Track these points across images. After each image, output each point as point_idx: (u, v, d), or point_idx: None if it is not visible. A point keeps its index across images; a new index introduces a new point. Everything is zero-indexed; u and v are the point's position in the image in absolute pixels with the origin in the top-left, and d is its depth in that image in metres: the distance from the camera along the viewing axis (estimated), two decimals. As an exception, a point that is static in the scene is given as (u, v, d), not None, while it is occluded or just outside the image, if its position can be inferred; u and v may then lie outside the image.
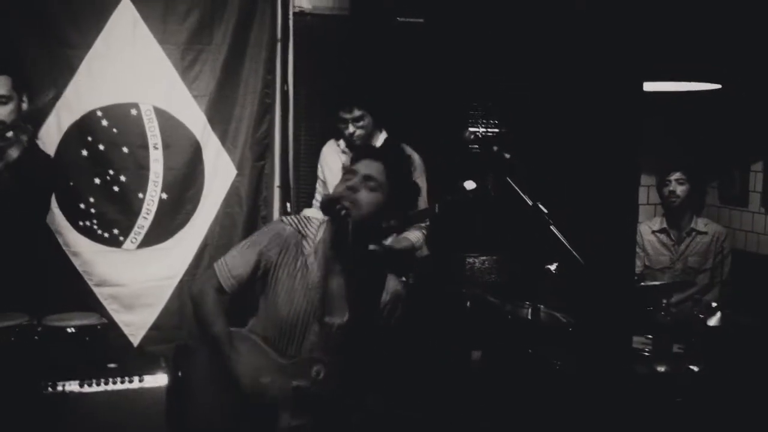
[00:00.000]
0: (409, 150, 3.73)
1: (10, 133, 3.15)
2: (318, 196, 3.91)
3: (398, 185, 2.42)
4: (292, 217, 2.51)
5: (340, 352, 2.37)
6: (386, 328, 2.46)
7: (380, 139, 3.76)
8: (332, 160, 3.81)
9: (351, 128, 3.62)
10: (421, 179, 3.70)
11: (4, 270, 3.15)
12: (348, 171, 2.42)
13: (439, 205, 3.43)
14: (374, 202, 2.36)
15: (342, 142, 3.78)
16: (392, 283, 2.49)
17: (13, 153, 3.13)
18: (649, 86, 3.63)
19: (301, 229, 2.43)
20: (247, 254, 2.39)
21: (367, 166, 2.39)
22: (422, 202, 3.69)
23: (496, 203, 3.77)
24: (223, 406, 2.32)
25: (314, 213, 3.56)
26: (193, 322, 2.46)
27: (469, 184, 3.25)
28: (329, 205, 2.31)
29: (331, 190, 3.64)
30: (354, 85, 3.79)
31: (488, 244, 4.15)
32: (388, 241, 3.46)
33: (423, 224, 3.65)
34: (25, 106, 3.34)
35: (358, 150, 2.71)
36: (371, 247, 2.52)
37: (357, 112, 3.59)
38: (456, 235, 4.03)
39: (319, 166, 3.93)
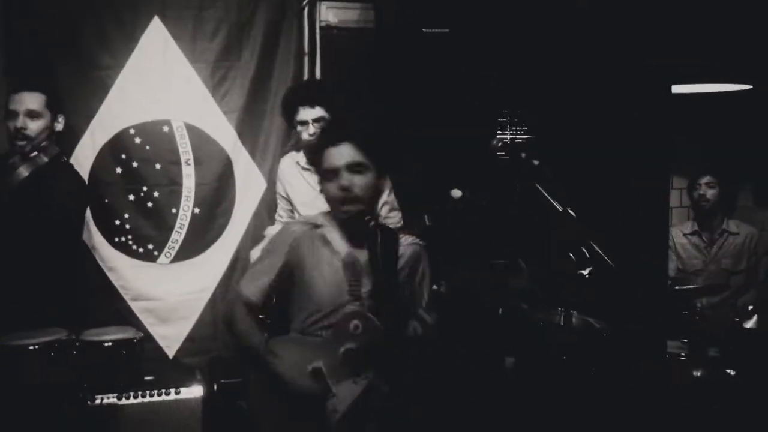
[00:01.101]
0: None
1: (34, 153, 3.21)
2: (282, 213, 3.75)
3: (378, 151, 2.41)
4: (300, 217, 2.55)
5: (377, 312, 2.40)
6: (407, 288, 2.51)
7: None
8: (291, 174, 3.66)
9: (312, 129, 3.41)
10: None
11: (43, 286, 3.22)
12: (329, 170, 2.38)
13: (428, 216, 3.43)
14: (370, 184, 2.38)
15: (302, 157, 3.62)
16: (409, 248, 2.52)
17: (24, 171, 3.16)
18: (677, 89, 3.61)
19: (314, 220, 2.48)
20: (266, 263, 2.45)
21: (343, 154, 2.36)
22: (390, 207, 3.69)
23: (523, 209, 3.79)
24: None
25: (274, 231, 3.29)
26: (230, 339, 2.53)
27: (456, 193, 3.25)
28: (356, 222, 2.36)
29: (297, 208, 3.59)
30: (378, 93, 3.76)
31: (518, 250, 4.14)
32: None
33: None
34: (60, 126, 3.41)
35: (322, 140, 2.48)
36: None
37: (319, 111, 3.41)
38: (484, 242, 4.02)
39: (278, 182, 3.76)
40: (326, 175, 2.39)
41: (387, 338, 2.35)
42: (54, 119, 3.38)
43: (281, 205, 3.76)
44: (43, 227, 3.16)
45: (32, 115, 3.27)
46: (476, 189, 3.27)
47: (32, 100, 3.27)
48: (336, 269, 2.42)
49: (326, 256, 2.43)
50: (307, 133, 3.43)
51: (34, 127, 3.26)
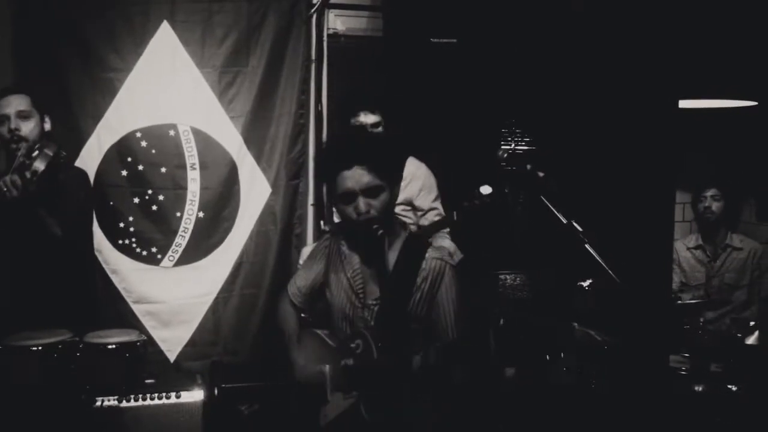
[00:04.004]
0: (416, 162, 3.75)
1: (36, 153, 3.17)
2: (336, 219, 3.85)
3: (390, 168, 2.40)
4: (334, 226, 2.62)
5: (381, 328, 2.39)
6: (426, 304, 2.43)
7: None
8: None
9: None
10: (428, 190, 3.72)
11: (47, 287, 3.23)
12: (345, 194, 2.35)
13: (457, 212, 3.44)
14: (384, 203, 2.36)
15: None
16: (432, 261, 2.44)
17: (40, 165, 3.07)
18: (685, 103, 3.62)
19: (337, 233, 2.58)
20: (306, 269, 2.63)
21: (357, 178, 2.33)
22: (437, 212, 3.71)
23: (528, 219, 3.79)
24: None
25: None
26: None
27: (485, 189, 3.25)
28: (365, 228, 2.34)
29: None
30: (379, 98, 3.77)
31: (522, 261, 4.14)
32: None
33: (445, 231, 3.65)
34: (48, 126, 3.35)
35: (331, 163, 2.42)
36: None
37: (376, 117, 3.52)
38: (489, 252, 4.03)
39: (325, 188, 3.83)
40: (342, 198, 2.36)
41: (381, 364, 2.32)
42: (42, 119, 3.31)
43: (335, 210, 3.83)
44: (57, 225, 3.15)
45: (23, 115, 3.21)
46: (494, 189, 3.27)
47: (20, 102, 3.23)
48: (347, 278, 2.49)
49: (341, 265, 2.51)
50: None
51: (26, 128, 3.21)
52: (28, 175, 3.04)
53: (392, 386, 2.37)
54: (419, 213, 3.71)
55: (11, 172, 3.05)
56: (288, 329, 2.61)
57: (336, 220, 3.83)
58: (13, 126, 3.20)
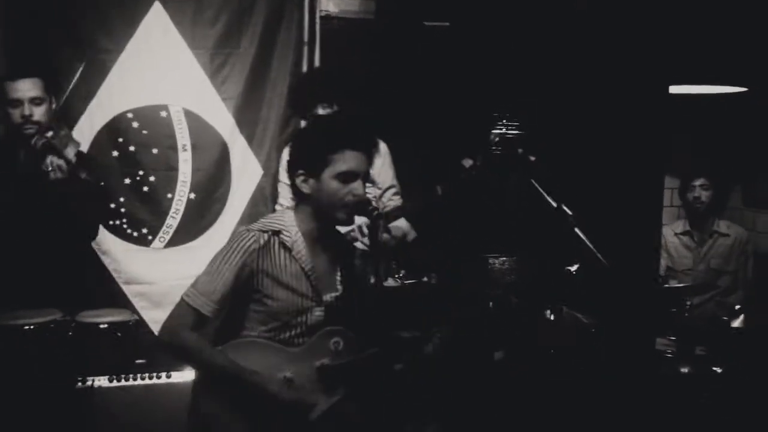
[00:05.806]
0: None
1: (50, 133, 3.19)
2: (284, 202, 3.70)
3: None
4: (256, 223, 2.40)
5: (346, 322, 2.41)
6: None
7: None
8: None
9: None
10: (388, 167, 3.72)
11: (39, 267, 3.24)
12: (347, 173, 2.30)
13: (441, 186, 3.43)
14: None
15: None
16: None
17: (70, 152, 3.16)
18: (674, 89, 3.65)
19: (272, 226, 2.35)
20: (222, 273, 2.25)
21: (356, 162, 2.30)
22: (395, 190, 3.71)
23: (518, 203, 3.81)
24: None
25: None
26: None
27: (467, 162, 3.25)
28: (362, 208, 2.34)
29: None
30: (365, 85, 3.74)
31: (511, 244, 4.18)
32: (386, 235, 3.41)
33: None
34: (54, 106, 3.39)
35: (338, 136, 2.33)
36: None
37: (334, 109, 3.49)
38: (478, 236, 4.06)
39: (281, 170, 3.76)
40: (341, 176, 2.29)
41: (368, 359, 2.32)
42: (51, 101, 3.35)
43: (283, 193, 3.72)
44: (67, 208, 3.20)
45: (36, 101, 3.25)
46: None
47: (33, 87, 3.25)
48: (297, 275, 2.34)
49: (287, 262, 2.34)
50: None
51: (38, 112, 3.25)
52: (63, 161, 3.13)
53: (380, 379, 2.37)
54: (379, 189, 3.69)
55: (42, 155, 3.13)
56: (222, 360, 2.24)
57: (283, 200, 3.72)
58: (27, 112, 3.24)
